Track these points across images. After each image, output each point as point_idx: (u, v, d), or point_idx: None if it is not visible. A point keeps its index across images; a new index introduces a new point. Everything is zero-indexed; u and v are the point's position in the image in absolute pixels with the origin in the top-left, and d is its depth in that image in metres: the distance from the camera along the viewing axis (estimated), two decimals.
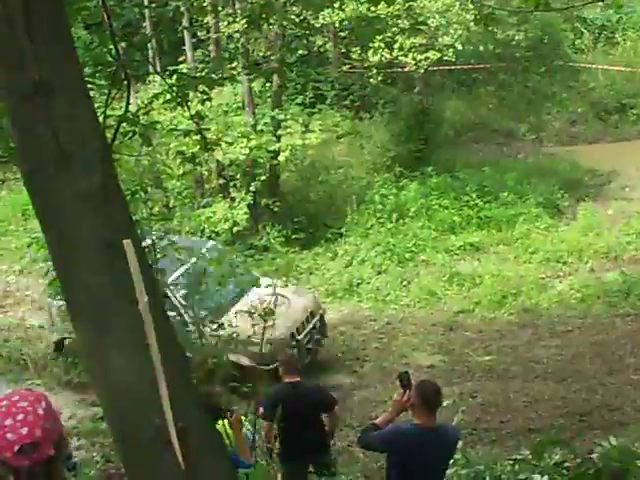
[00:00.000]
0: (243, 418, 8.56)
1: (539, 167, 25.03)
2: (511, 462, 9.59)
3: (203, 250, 16.55)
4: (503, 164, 25.25)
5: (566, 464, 7.67)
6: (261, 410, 10.17)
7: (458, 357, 17.20)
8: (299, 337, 16.27)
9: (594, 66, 30.27)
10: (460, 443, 10.12)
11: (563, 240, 21.17)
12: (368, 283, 20.23)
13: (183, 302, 15.64)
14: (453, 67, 27.45)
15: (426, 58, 23.42)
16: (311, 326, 16.55)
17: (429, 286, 19.82)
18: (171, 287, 15.61)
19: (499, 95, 29.89)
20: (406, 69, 24.42)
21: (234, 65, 22.98)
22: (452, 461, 9.49)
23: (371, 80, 25.13)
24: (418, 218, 22.48)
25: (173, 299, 15.63)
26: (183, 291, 15.79)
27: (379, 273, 20.58)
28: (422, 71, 24.33)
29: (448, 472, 9.74)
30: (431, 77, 27.45)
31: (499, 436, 14.42)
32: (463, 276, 19.98)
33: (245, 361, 15.08)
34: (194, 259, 15.59)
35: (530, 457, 7.96)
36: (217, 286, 16.18)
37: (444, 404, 10.87)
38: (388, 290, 20.03)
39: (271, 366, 14.90)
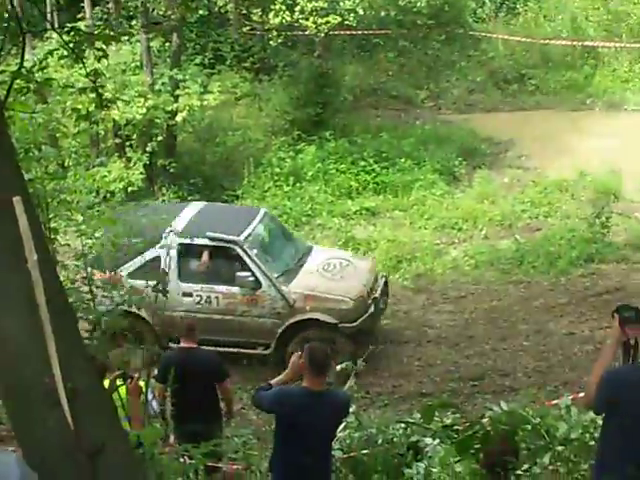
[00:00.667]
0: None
1: (436, 134, 25.10)
2: (403, 425, 9.66)
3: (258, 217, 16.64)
4: (401, 130, 25.27)
5: (456, 427, 7.72)
6: (155, 372, 10.18)
7: None
8: (376, 295, 16.01)
9: (494, 35, 30.46)
10: (353, 407, 10.14)
11: (458, 207, 21.33)
12: None
13: (258, 262, 15.51)
14: (354, 32, 27.40)
15: (327, 22, 23.30)
16: (380, 286, 16.33)
17: None
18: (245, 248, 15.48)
19: (399, 61, 29.87)
20: (307, 32, 24.27)
21: (133, 23, 22.58)
22: (344, 424, 9.51)
23: (271, 42, 24.96)
24: (315, 182, 22.41)
25: (248, 260, 15.45)
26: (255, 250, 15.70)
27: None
28: (323, 35, 24.20)
29: (341, 435, 9.76)
30: (332, 41, 27.31)
31: (392, 400, 14.54)
32: (358, 241, 20.00)
33: (329, 319, 15.27)
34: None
35: (421, 420, 8.00)
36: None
37: (337, 368, 10.89)
38: None
39: (354, 324, 15.25)
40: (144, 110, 21.32)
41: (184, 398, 9.97)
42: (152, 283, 13.54)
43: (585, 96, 28.38)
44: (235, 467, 9.70)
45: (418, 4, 26.67)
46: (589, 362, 14.09)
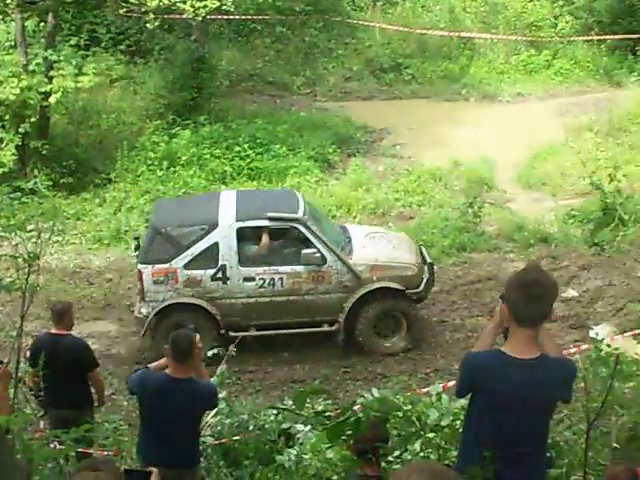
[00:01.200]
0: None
1: (312, 121, 25.10)
2: (275, 412, 9.61)
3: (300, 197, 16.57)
4: (276, 116, 25.20)
5: (328, 413, 7.68)
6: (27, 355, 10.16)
7: None
8: (430, 260, 16.19)
9: (372, 24, 30.65)
10: (223, 393, 10.04)
11: (332, 194, 21.35)
12: (136, 230, 19.82)
13: (323, 237, 15.38)
14: (231, 17, 27.18)
15: (205, 6, 22.97)
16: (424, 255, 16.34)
17: None
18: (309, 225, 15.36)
19: (276, 47, 29.83)
20: (184, 16, 23.94)
21: (8, 2, 21.96)
22: (215, 411, 9.42)
23: (148, 25, 24.47)
24: (189, 166, 22.19)
25: (312, 236, 15.26)
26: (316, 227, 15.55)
27: (147, 221, 20.24)
28: (200, 19, 23.91)
29: (212, 421, 9.68)
30: (209, 26, 27.04)
31: (264, 386, 14.48)
32: None
33: (398, 286, 15.35)
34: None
35: (293, 407, 7.94)
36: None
37: (209, 354, 10.78)
38: None
39: (419, 289, 15.53)
40: (17, 91, 20.86)
41: (53, 384, 9.74)
42: (211, 272, 14.67)
43: (461, 86, 28.84)
44: (105, 453, 9.53)
45: None
46: (460, 350, 14.29)
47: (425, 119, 25.68)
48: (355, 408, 6.89)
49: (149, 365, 8.53)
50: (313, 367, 14.94)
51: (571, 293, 17.18)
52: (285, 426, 9.50)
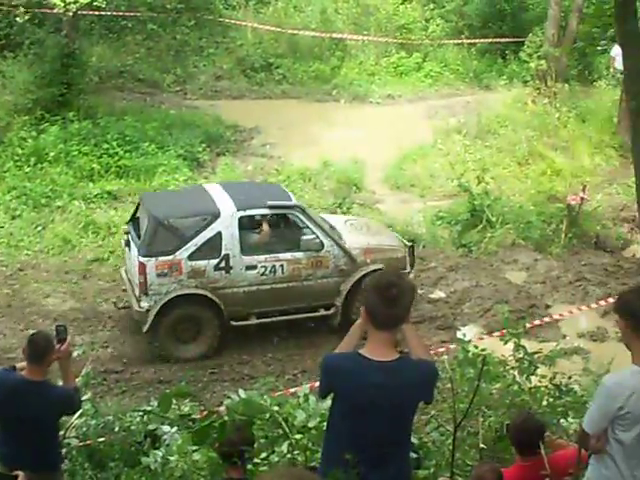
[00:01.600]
0: None
1: (182, 119, 24.87)
2: (141, 413, 9.49)
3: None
4: (146, 114, 24.88)
5: (194, 415, 7.62)
6: None
7: (90, 305, 16.87)
8: (411, 243, 17.14)
9: (244, 23, 30.64)
10: (89, 394, 9.88)
11: None
12: (2, 227, 19.40)
13: (320, 223, 16.06)
14: (103, 13, 26.85)
15: (76, 1, 22.62)
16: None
17: (64, 233, 19.27)
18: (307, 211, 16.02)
19: (147, 45, 29.48)
20: (55, 11, 23.50)
21: None
22: (80, 411, 9.25)
23: (18, 19, 24.00)
24: (57, 163, 21.69)
25: (310, 223, 15.73)
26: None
27: (13, 218, 19.81)
28: (71, 14, 23.49)
29: (77, 422, 9.50)
30: (79, 21, 26.59)
31: (130, 387, 14.30)
32: (99, 225, 19.59)
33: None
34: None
35: (159, 409, 7.85)
36: None
37: (74, 354, 10.57)
38: (22, 235, 19.30)
39: (407, 270, 16.12)
40: None
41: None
42: (214, 262, 14.83)
43: (331, 87, 29.01)
44: None
45: None
46: (328, 350, 14.32)
47: (295, 119, 25.72)
48: (221, 409, 6.84)
49: (17, 365, 8.34)
50: (180, 368, 14.80)
51: (439, 294, 17.45)
52: (151, 427, 9.40)
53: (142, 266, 14.87)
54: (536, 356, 8.72)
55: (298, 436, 7.09)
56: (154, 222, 15.11)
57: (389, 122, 25.75)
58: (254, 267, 15.33)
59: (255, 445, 6.82)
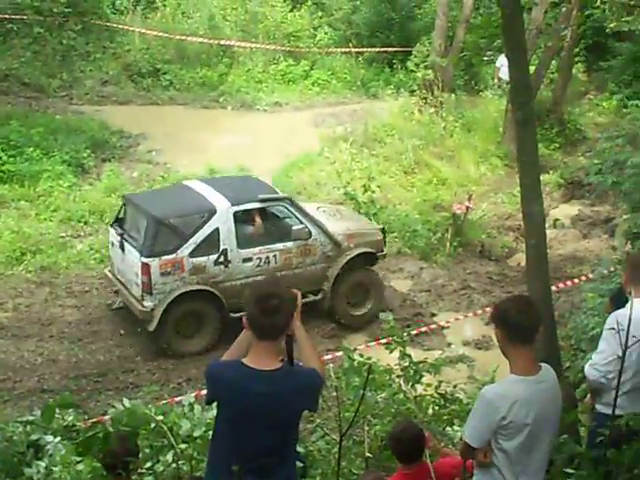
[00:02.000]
0: None
1: (67, 124, 24.51)
2: (23, 423, 9.34)
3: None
4: (32, 119, 24.46)
5: (78, 426, 7.54)
6: None
7: None
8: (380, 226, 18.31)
9: (131, 29, 30.40)
10: None
11: (86, 200, 20.84)
12: None
13: (308, 212, 16.68)
14: None
15: None
16: None
17: None
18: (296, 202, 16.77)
19: (33, 49, 28.96)
20: None
21: None
22: None
23: None
24: None
25: (299, 213, 16.39)
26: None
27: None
28: None
29: None
30: None
31: (12, 396, 14.05)
32: None
33: (372, 250, 17.00)
34: None
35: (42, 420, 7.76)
36: None
37: None
38: None
39: (384, 252, 17.41)
40: None
41: None
42: (214, 257, 15.38)
43: (218, 94, 29.01)
44: None
45: None
46: (214, 360, 14.28)
47: (182, 126, 25.59)
48: (105, 418, 6.79)
49: None
50: (64, 376, 14.61)
51: None
52: (34, 438, 9.25)
53: (146, 267, 15.13)
54: (421, 364, 8.84)
55: (183, 446, 7.07)
56: (155, 222, 15.37)
57: (276, 130, 25.85)
58: (250, 259, 15.89)
59: (140, 455, 6.78)
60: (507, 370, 5.73)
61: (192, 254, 15.38)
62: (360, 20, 33.80)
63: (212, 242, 15.53)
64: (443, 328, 16.55)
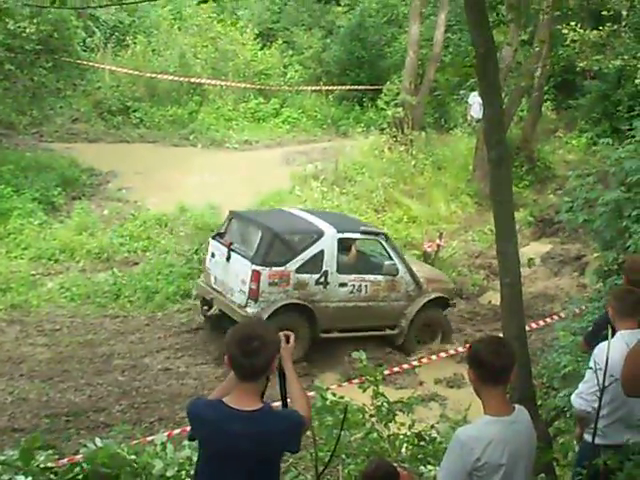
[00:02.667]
0: None
1: (38, 162, 24.38)
2: None
3: None
4: (1, 156, 24.34)
5: (54, 468, 7.46)
6: None
7: None
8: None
9: (102, 66, 30.42)
10: None
11: (56, 238, 20.68)
12: None
13: (399, 251, 17.80)
14: None
15: None
16: None
17: None
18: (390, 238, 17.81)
19: (3, 85, 28.83)
20: None
21: None
22: None
23: None
24: None
25: (391, 249, 17.33)
26: None
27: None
28: None
29: None
30: None
31: None
32: None
33: (447, 297, 18.00)
34: None
35: (16, 459, 7.70)
36: None
37: None
38: None
39: (454, 301, 18.71)
40: None
41: None
42: (316, 276, 16.21)
43: (189, 132, 29.09)
44: None
45: (27, 29, 26.23)
46: (185, 398, 14.22)
47: (152, 164, 25.56)
48: (78, 458, 6.76)
49: None
50: (34, 415, 14.48)
51: None
52: (5, 478, 9.19)
53: (257, 274, 15.88)
54: (394, 403, 8.85)
55: None
56: (271, 235, 16.19)
57: (247, 167, 25.86)
58: (345, 285, 16.72)
59: None
60: (480, 408, 5.74)
61: (298, 270, 16.19)
62: (330, 58, 34.08)
63: (316, 262, 16.37)
64: (415, 367, 16.54)
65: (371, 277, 16.99)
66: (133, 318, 18.02)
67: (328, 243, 16.47)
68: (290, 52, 34.67)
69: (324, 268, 16.39)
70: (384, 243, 17.23)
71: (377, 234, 17.51)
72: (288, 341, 5.63)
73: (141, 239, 21.20)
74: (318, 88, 32.74)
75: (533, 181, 27.29)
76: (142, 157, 26.21)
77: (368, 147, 27.61)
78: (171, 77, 30.45)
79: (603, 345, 6.81)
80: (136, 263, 20.22)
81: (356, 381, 12.56)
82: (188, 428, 5.46)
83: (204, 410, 5.36)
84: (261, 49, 33.86)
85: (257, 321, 6.52)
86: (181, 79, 30.58)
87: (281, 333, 5.59)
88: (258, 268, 15.85)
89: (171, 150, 27.59)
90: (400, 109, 27.14)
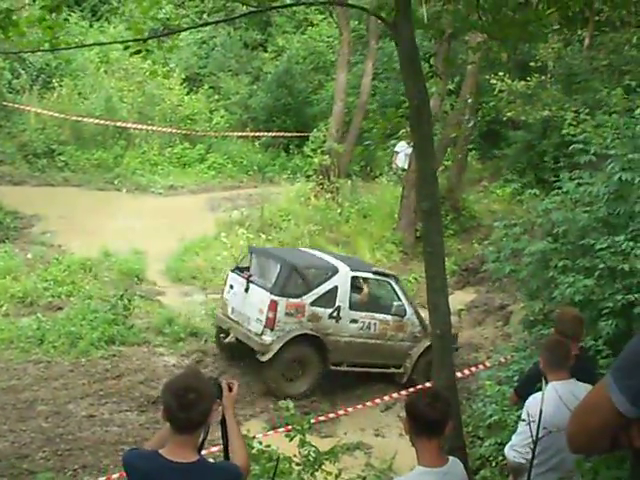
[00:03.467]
0: None
1: None
2: None
3: None
4: None
5: None
6: None
7: None
8: None
9: (28, 108, 30.19)
10: None
11: None
12: None
13: (406, 293, 18.64)
14: None
15: None
16: None
17: None
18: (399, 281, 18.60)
19: None
20: None
21: None
22: None
23: None
24: None
25: (400, 291, 18.13)
26: None
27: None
28: None
29: None
30: None
31: None
32: None
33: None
34: None
35: None
36: None
37: None
38: None
39: (457, 344, 18.58)
40: None
41: None
42: (329, 311, 17.01)
43: (114, 176, 28.98)
44: None
45: None
46: (109, 445, 14.13)
47: (77, 207, 25.36)
48: None
49: None
50: None
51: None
52: None
53: (274, 304, 16.68)
54: (320, 452, 8.91)
55: None
56: (289, 268, 17.04)
57: (171, 213, 25.79)
58: (356, 321, 17.46)
59: None
60: (405, 457, 5.82)
61: (313, 303, 16.98)
62: (257, 104, 34.28)
63: (330, 297, 17.14)
64: (341, 416, 16.55)
65: (380, 316, 17.72)
66: (57, 364, 17.74)
67: (342, 280, 17.25)
68: (217, 97, 34.80)
69: (337, 303, 17.16)
70: (394, 285, 18.00)
71: (388, 276, 18.29)
72: (231, 390, 5.60)
73: (65, 284, 20.88)
74: (244, 134, 32.93)
75: (458, 230, 27.63)
76: (67, 201, 26.00)
77: (294, 194, 27.68)
78: (97, 120, 30.32)
79: (536, 396, 6.95)
80: (60, 308, 19.94)
81: (282, 430, 12.61)
82: (114, 476, 5.50)
83: (139, 461, 5.33)
84: (188, 94, 33.93)
85: (194, 373, 6.48)
86: (107, 123, 30.47)
87: (224, 382, 5.59)
88: (276, 298, 16.66)
89: (96, 194, 27.45)
90: (327, 156, 27.25)
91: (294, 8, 34.98)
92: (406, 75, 8.48)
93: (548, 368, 7.27)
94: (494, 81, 29.12)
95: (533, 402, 6.87)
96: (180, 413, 5.09)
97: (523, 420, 6.89)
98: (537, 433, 6.33)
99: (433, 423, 5.59)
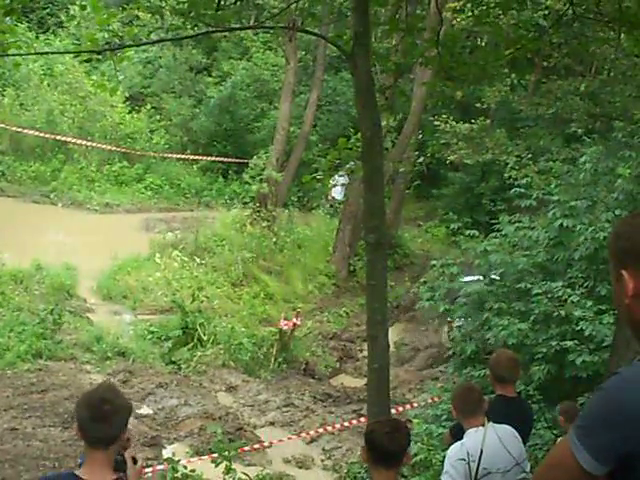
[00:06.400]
0: None
1: None
2: None
3: None
4: None
5: None
6: None
7: None
8: None
9: None
10: None
11: None
12: None
13: None
14: None
15: None
16: None
17: None
18: None
19: None
20: None
21: None
22: None
23: None
24: None
25: None
26: None
27: None
28: None
29: None
30: None
31: None
32: None
33: None
34: None
35: None
36: None
37: None
38: None
39: None
40: None
41: None
42: None
43: (50, 190, 28.70)
44: None
45: None
46: (31, 460, 13.94)
47: (10, 219, 25.02)
48: None
49: None
50: None
51: (146, 410, 17.15)
52: None
53: None
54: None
55: None
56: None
57: (106, 231, 25.64)
58: None
59: None
60: None
61: None
62: (198, 127, 34.23)
63: None
64: (266, 447, 16.44)
65: None
66: None
67: None
68: (158, 118, 34.66)
69: None
70: None
71: None
72: (135, 462, 5.34)
73: None
74: (184, 156, 32.84)
75: (391, 267, 27.69)
76: (1, 211, 25.72)
77: (230, 220, 27.62)
78: (37, 133, 30.09)
79: (476, 436, 6.92)
80: None
81: (205, 457, 12.55)
82: None
83: None
84: (129, 112, 33.75)
85: (109, 387, 6.35)
86: (47, 135, 30.21)
87: (128, 455, 5.31)
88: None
89: (31, 206, 27.20)
90: (265, 184, 27.23)
91: (241, 34, 35.06)
92: (361, 106, 8.46)
93: (462, 416, 7.14)
94: (437, 122, 29.41)
95: (473, 442, 6.87)
96: (94, 424, 4.90)
97: (462, 459, 6.85)
98: (476, 473, 6.35)
99: (391, 454, 5.52)
